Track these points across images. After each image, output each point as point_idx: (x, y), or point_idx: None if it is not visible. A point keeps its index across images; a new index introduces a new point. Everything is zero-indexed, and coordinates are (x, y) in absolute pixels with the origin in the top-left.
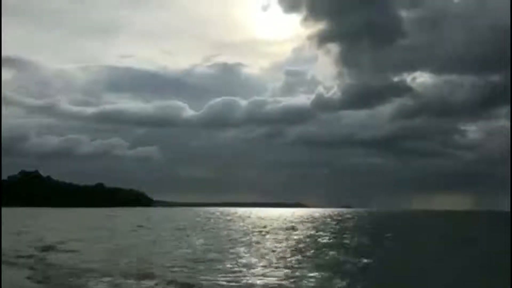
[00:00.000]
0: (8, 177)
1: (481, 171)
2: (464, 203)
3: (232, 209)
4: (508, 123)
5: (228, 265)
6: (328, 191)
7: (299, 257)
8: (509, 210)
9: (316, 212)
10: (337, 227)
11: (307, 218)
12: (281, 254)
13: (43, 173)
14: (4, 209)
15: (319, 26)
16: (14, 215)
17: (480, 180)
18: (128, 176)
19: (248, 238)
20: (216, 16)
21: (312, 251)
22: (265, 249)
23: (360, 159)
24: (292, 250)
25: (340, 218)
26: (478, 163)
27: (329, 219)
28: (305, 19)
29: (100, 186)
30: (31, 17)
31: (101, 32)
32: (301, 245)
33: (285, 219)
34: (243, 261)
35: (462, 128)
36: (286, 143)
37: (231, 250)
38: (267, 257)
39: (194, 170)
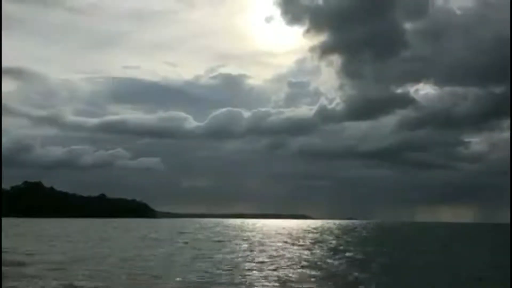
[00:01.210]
0: (12, 187)
1: (484, 183)
2: (468, 215)
3: (231, 220)
4: None
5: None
6: (332, 203)
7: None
8: (509, 222)
9: (313, 223)
10: (318, 238)
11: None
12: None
13: (46, 183)
14: (5, 219)
15: (321, 38)
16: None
17: (484, 192)
18: (131, 187)
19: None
20: (220, 27)
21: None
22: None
23: (363, 171)
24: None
25: (329, 230)
26: (482, 175)
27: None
28: (308, 31)
29: (102, 197)
30: (37, 29)
31: (106, 43)
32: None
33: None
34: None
35: (466, 140)
36: (289, 155)
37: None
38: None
39: (197, 181)
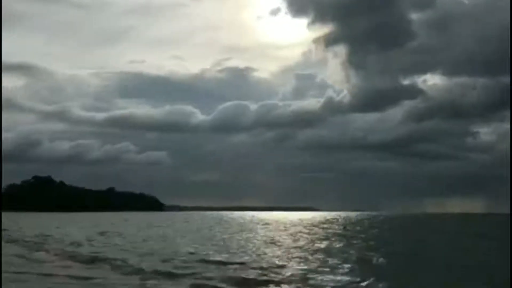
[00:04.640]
0: (22, 182)
1: (494, 173)
2: (477, 206)
3: (235, 213)
4: None
5: None
6: (339, 195)
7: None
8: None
9: (316, 215)
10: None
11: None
12: None
13: (56, 178)
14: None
15: (327, 29)
16: None
17: (493, 182)
18: (139, 180)
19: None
20: (226, 21)
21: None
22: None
23: (371, 163)
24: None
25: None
26: (491, 166)
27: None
28: (313, 22)
29: (111, 191)
30: (44, 25)
31: (112, 38)
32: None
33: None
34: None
35: (474, 130)
36: (296, 147)
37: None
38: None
39: (204, 174)
